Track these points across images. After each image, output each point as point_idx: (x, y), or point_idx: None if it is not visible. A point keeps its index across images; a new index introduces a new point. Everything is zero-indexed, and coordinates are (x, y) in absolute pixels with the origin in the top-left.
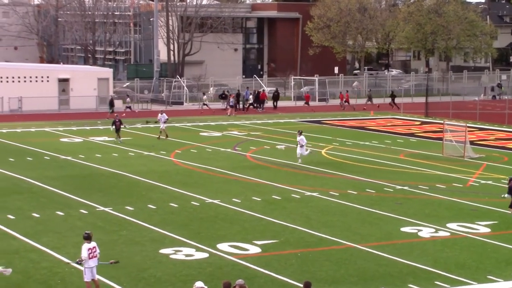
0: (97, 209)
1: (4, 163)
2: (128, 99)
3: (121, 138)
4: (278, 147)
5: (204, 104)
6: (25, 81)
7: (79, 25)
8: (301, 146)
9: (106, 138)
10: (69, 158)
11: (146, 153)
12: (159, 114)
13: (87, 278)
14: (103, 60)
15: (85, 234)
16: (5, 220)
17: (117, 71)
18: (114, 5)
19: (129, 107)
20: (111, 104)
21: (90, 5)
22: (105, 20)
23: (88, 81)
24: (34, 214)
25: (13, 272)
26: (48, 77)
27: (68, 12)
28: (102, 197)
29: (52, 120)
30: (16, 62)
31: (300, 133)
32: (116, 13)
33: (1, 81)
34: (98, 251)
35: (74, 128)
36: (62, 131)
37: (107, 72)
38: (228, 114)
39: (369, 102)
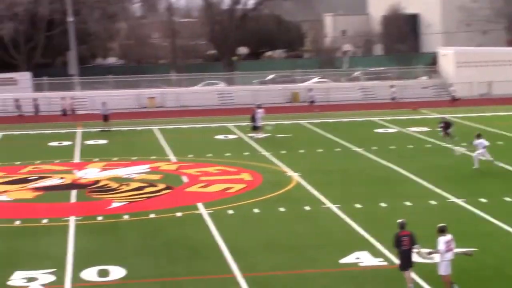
0: None
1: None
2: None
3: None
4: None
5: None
6: (494, 65)
7: None
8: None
9: None
10: None
11: None
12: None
13: (444, 271)
14: None
15: (441, 227)
16: (477, 203)
17: None
18: None
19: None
20: None
21: None
22: None
23: None
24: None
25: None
26: None
27: None
28: None
29: None
30: (486, 46)
31: (478, 136)
32: None
33: (469, 66)
34: (454, 244)
35: None
36: None
37: None
38: None
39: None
